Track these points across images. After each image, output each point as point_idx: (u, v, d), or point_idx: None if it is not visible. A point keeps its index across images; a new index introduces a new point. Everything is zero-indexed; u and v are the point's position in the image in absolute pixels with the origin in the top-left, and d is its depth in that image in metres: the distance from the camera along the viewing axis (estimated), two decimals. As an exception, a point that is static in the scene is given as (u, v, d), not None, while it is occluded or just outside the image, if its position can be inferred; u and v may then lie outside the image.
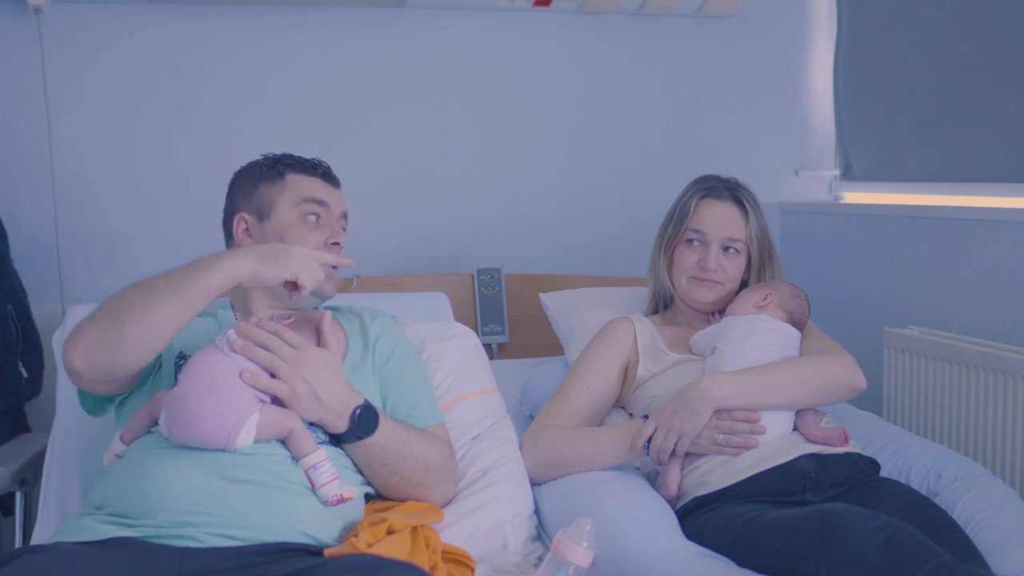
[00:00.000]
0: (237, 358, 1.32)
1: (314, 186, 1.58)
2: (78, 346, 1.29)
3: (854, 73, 2.71)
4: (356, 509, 1.42)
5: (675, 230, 1.83)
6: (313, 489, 1.33)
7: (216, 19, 2.41)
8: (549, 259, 2.66)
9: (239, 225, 1.58)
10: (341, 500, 1.34)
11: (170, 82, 2.40)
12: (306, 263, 1.34)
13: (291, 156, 1.63)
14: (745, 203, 1.81)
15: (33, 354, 2.13)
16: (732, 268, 1.80)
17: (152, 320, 1.28)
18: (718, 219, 1.79)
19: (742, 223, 1.81)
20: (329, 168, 1.64)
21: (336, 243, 1.55)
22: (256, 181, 1.59)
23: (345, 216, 1.63)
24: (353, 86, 2.51)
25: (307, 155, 1.65)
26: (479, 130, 2.61)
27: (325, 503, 1.33)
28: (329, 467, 1.33)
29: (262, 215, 1.56)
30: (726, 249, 1.79)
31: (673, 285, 1.84)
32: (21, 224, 2.29)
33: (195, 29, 2.40)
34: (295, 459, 1.33)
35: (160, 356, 1.47)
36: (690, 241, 1.81)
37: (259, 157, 1.64)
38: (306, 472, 1.33)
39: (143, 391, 1.45)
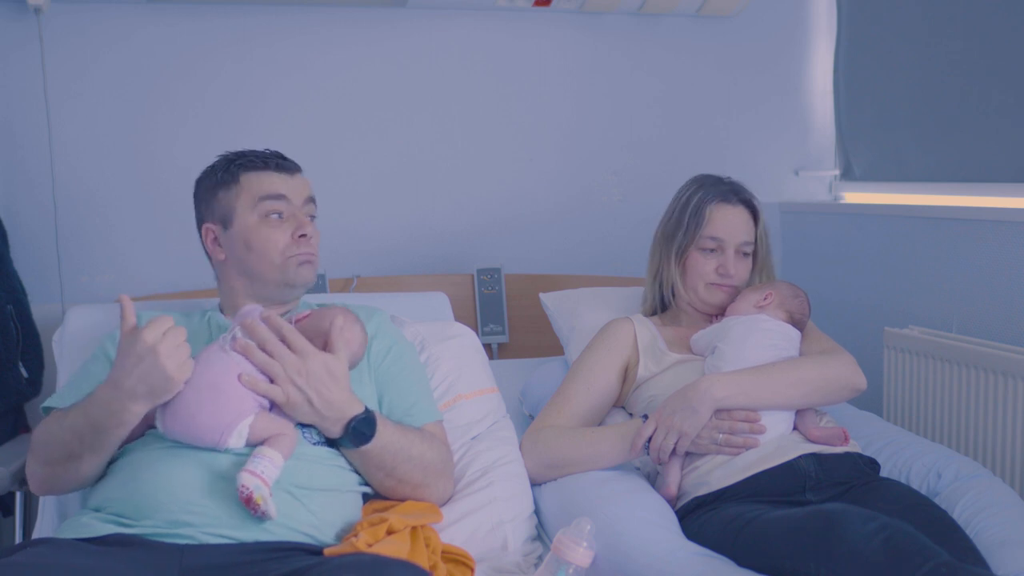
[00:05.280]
0: (237, 358, 1.32)
1: (269, 181, 1.51)
2: (35, 484, 1.39)
3: (854, 73, 2.71)
4: (355, 509, 1.42)
5: (689, 237, 1.80)
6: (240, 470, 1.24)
7: (216, 19, 2.41)
8: (549, 259, 2.65)
9: (207, 236, 1.54)
10: (249, 502, 1.22)
11: (170, 82, 2.40)
12: (168, 358, 1.22)
13: (244, 154, 1.54)
14: (755, 205, 1.82)
15: (33, 354, 2.13)
16: (744, 270, 1.81)
17: (81, 465, 1.33)
18: (734, 225, 1.79)
19: (753, 226, 1.82)
20: (282, 156, 1.56)
21: (303, 235, 1.49)
22: (214, 189, 1.53)
23: (312, 200, 1.56)
24: (353, 86, 2.51)
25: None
26: (479, 130, 2.60)
27: (237, 489, 1.23)
28: (270, 470, 1.24)
29: (226, 223, 1.51)
30: (739, 253, 1.80)
31: (686, 291, 1.83)
32: (21, 224, 2.29)
33: (195, 29, 2.40)
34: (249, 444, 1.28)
35: None
36: (705, 248, 1.80)
37: (216, 159, 1.57)
38: (252, 455, 1.25)
39: None
